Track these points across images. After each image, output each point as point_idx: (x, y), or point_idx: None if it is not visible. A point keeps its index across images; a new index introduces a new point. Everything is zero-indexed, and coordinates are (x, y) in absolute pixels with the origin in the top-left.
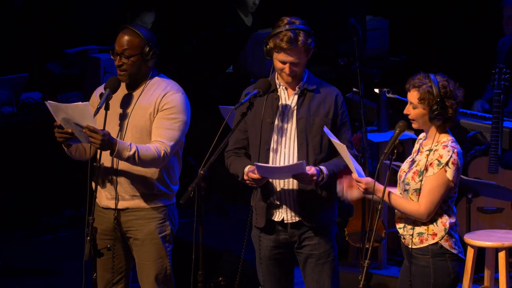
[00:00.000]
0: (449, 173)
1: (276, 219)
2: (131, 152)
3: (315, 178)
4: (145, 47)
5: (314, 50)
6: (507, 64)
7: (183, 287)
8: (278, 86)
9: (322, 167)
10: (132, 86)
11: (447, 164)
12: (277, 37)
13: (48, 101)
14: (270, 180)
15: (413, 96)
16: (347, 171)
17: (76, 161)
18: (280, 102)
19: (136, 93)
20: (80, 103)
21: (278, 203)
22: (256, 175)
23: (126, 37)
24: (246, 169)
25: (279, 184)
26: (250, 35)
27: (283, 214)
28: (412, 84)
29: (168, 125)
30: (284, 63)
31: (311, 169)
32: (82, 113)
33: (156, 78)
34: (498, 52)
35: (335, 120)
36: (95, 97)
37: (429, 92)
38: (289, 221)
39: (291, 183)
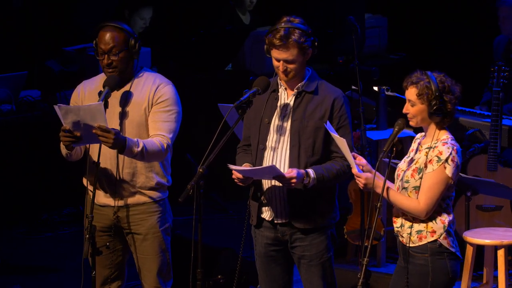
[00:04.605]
0: (448, 170)
1: (266, 218)
2: (139, 148)
3: (294, 181)
4: (130, 40)
5: (314, 51)
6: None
7: (182, 285)
8: (279, 87)
9: (309, 170)
10: (121, 82)
11: (446, 160)
12: (271, 34)
13: (59, 105)
14: (263, 180)
15: (411, 93)
16: None
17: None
18: (279, 103)
19: (125, 89)
20: (93, 103)
21: (268, 202)
22: (239, 175)
23: (110, 34)
24: (233, 168)
25: (269, 184)
26: (249, 33)
27: (272, 214)
28: (410, 81)
29: (165, 117)
30: (278, 60)
31: (291, 172)
32: (95, 114)
33: (143, 72)
34: (494, 51)
35: (331, 124)
36: (78, 96)
37: (427, 87)
38: (278, 221)
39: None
